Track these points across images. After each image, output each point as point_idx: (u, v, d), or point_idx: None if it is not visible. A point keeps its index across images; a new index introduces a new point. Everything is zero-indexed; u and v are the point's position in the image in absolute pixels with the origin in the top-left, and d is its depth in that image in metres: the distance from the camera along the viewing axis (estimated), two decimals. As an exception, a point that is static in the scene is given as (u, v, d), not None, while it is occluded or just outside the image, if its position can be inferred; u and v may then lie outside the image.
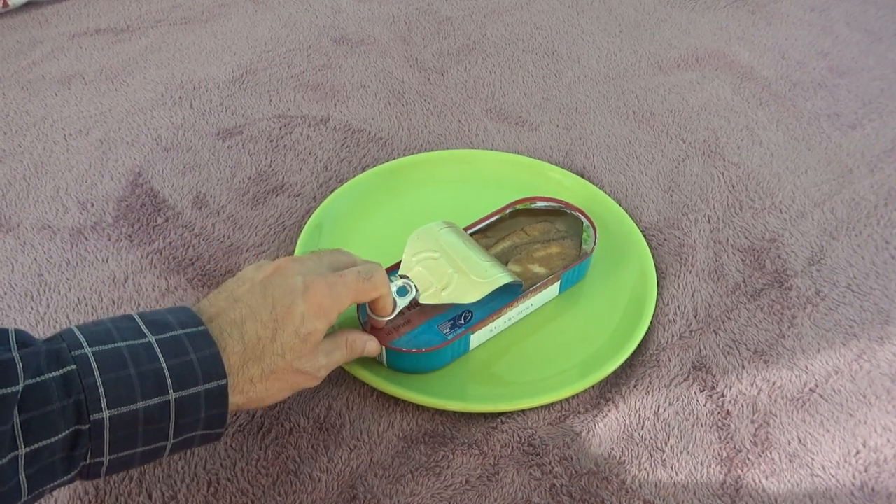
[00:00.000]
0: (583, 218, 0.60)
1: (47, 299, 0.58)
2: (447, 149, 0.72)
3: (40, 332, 0.55)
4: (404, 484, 0.48)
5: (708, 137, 0.74)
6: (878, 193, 0.68)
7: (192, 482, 0.47)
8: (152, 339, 0.39)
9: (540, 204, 0.61)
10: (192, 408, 0.39)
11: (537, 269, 0.57)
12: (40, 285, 0.59)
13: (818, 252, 0.63)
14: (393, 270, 0.55)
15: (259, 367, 0.42)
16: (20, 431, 0.34)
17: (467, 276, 0.52)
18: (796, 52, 0.86)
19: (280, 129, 0.74)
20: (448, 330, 0.52)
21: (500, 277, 0.52)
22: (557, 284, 0.57)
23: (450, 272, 0.52)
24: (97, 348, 0.37)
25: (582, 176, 0.69)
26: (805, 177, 0.70)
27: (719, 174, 0.70)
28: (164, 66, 0.82)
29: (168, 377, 0.38)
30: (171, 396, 0.38)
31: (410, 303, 0.51)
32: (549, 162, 0.70)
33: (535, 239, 0.59)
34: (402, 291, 0.51)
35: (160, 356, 0.38)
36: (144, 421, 0.37)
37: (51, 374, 0.35)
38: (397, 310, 0.50)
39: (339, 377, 0.53)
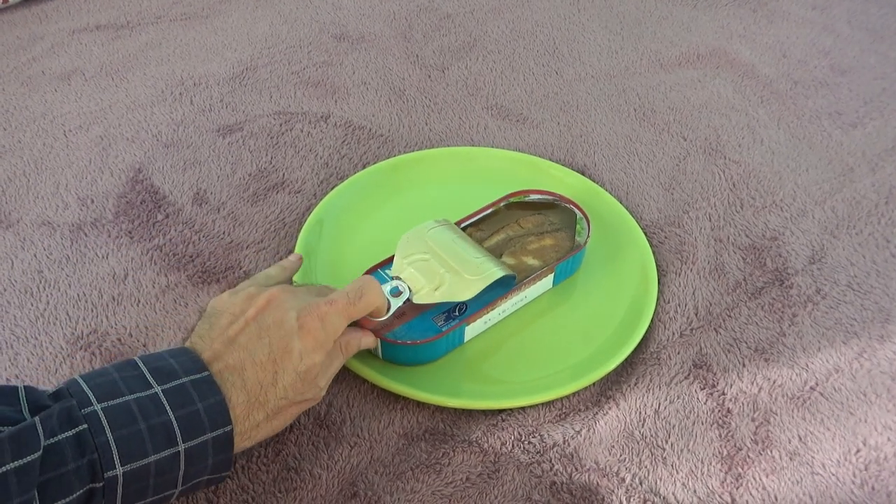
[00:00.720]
0: (576, 210, 0.60)
1: (47, 296, 0.58)
2: (448, 146, 0.72)
3: (40, 328, 0.55)
4: (405, 481, 0.48)
5: (709, 135, 0.74)
6: (879, 192, 0.68)
7: (192, 479, 0.47)
8: (158, 389, 0.39)
9: (534, 197, 0.62)
10: (200, 456, 0.39)
11: (531, 261, 0.57)
12: (40, 281, 0.59)
13: (819, 250, 0.63)
14: (387, 264, 0.55)
15: (264, 412, 0.42)
16: (36, 493, 0.34)
17: (460, 276, 0.52)
18: (798, 50, 0.86)
19: (280, 125, 0.74)
20: (443, 322, 0.52)
21: (492, 273, 0.52)
22: (551, 276, 0.57)
23: (441, 272, 0.52)
24: (106, 404, 0.38)
25: (583, 173, 0.69)
26: (806, 175, 0.70)
27: (720, 172, 0.70)
28: (164, 63, 0.82)
29: (177, 429, 0.38)
30: (181, 447, 0.39)
31: (405, 303, 0.51)
32: (550, 159, 0.70)
33: (529, 231, 0.59)
34: (395, 291, 0.51)
35: (167, 408, 0.39)
36: (156, 473, 0.38)
37: (64, 435, 0.36)
38: (392, 311, 0.50)
39: (340, 375, 0.53)
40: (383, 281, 0.52)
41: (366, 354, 0.52)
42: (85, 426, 0.36)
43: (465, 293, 0.51)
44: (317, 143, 0.72)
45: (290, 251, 0.61)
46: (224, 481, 0.43)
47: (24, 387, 0.37)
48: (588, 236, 0.58)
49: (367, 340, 0.50)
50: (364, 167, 0.69)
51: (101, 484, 0.36)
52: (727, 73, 0.82)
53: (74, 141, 0.72)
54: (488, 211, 0.60)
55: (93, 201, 0.65)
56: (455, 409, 0.51)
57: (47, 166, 0.69)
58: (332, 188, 0.66)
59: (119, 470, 0.37)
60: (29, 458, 0.34)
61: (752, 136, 0.74)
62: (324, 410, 0.51)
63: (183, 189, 0.67)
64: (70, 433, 0.36)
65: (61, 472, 0.35)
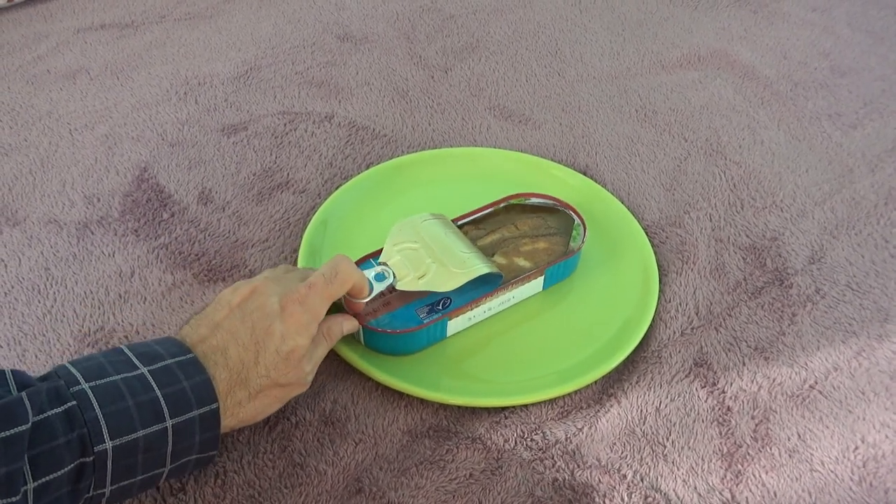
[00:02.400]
0: (574, 216, 0.61)
1: (54, 293, 0.58)
2: (451, 146, 0.73)
3: (47, 325, 0.56)
4: (409, 477, 0.48)
5: (710, 136, 0.75)
6: (878, 193, 0.69)
7: (199, 474, 0.48)
8: (145, 370, 0.40)
9: (534, 200, 0.62)
10: (187, 432, 0.40)
11: (522, 262, 0.58)
12: (47, 279, 0.59)
13: (818, 251, 0.63)
14: (375, 256, 0.56)
15: (246, 391, 0.43)
16: (28, 467, 0.35)
17: (445, 267, 0.53)
18: (798, 51, 0.87)
19: (285, 125, 0.74)
20: (425, 314, 0.53)
21: (477, 268, 0.53)
22: (541, 280, 0.57)
23: (428, 262, 0.54)
24: (94, 383, 0.38)
25: (585, 174, 0.69)
26: (806, 176, 0.71)
27: (721, 173, 0.71)
28: (168, 62, 0.83)
29: (164, 405, 0.39)
30: (169, 423, 0.39)
31: (388, 288, 0.52)
32: (552, 160, 0.71)
33: (525, 233, 0.60)
34: (380, 277, 0.52)
35: (154, 386, 0.40)
36: (144, 449, 0.39)
37: (53, 411, 0.36)
38: (373, 293, 0.51)
39: (345, 372, 0.54)
40: (370, 267, 0.53)
41: (370, 352, 0.53)
42: (74, 403, 0.37)
43: (448, 285, 0.52)
44: (321, 142, 0.73)
45: (295, 250, 0.62)
46: (212, 462, 0.44)
47: (12, 370, 0.38)
48: (582, 242, 0.59)
49: (349, 325, 0.51)
50: (368, 167, 0.70)
51: (91, 458, 0.37)
52: (728, 74, 0.83)
53: (80, 140, 0.72)
54: (487, 211, 0.61)
55: (99, 200, 0.66)
56: (459, 407, 0.52)
57: (53, 165, 0.69)
58: (337, 188, 0.66)
59: (108, 444, 0.37)
60: (16, 430, 0.34)
61: (753, 137, 0.75)
62: (328, 407, 0.52)
63: (188, 188, 0.67)
64: (59, 409, 0.37)
65: (52, 445, 0.36)
